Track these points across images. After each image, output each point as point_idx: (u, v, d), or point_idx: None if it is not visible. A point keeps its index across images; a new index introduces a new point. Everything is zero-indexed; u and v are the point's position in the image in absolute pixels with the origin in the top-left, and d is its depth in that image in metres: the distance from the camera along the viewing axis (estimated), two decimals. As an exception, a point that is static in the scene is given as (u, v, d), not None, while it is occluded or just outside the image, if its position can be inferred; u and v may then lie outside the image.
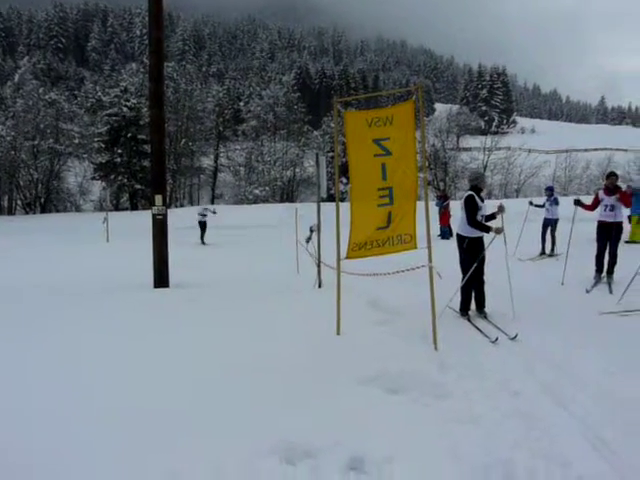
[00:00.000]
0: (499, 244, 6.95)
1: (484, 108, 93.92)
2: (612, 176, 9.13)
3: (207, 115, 53.19)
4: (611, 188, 8.84)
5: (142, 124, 41.68)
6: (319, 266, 8.69)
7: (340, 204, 5.92)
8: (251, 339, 5.64)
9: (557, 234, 12.87)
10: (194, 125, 50.57)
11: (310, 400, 4.02)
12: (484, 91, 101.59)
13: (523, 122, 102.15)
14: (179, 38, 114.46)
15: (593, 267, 9.04)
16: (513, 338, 5.76)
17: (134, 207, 42.50)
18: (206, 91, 57.94)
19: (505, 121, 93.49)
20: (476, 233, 6.68)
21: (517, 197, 37.27)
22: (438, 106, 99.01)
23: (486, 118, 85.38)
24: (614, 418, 3.85)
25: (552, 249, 12.87)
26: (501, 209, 6.76)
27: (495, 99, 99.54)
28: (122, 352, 5.21)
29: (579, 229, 9.66)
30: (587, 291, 8.35)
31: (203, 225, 20.29)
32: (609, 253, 8.83)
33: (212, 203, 49.68)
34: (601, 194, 8.98)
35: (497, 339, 5.72)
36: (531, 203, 13.72)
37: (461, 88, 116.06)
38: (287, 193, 48.91)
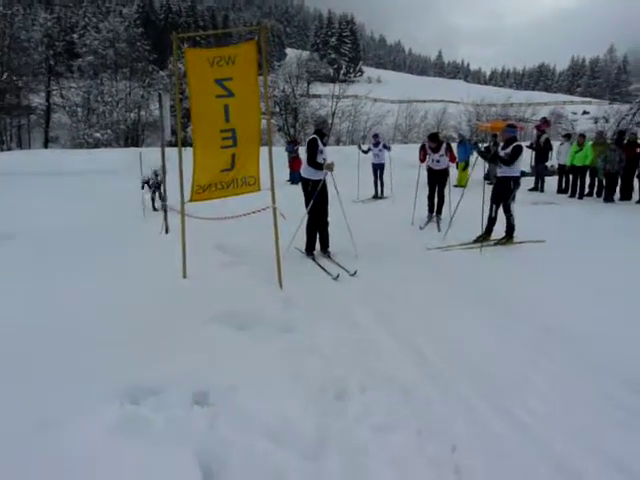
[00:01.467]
0: (342, 188, 7.34)
1: (333, 56, 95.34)
2: (431, 140, 9.90)
3: (34, 46, 47.00)
4: (433, 147, 9.70)
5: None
6: (165, 211, 8.43)
7: (188, 148, 5.77)
8: (95, 286, 5.42)
9: (385, 177, 13.79)
10: (18, 57, 44.46)
11: (156, 341, 4.01)
12: (333, 39, 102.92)
13: (370, 72, 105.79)
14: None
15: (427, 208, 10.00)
16: (353, 274, 6.22)
17: (-53, 150, 36.92)
18: (31, 18, 50.95)
19: (352, 70, 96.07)
20: (319, 175, 6.94)
21: (364, 143, 38.94)
22: (289, 51, 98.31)
23: (335, 66, 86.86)
24: (435, 337, 4.43)
25: (382, 191, 13.88)
26: (329, 167, 6.84)
27: (344, 47, 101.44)
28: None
29: (416, 174, 10.48)
30: (421, 228, 9.31)
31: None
32: (437, 195, 9.82)
33: (45, 147, 44.92)
34: (428, 150, 9.83)
35: (338, 276, 6.13)
36: (359, 147, 14.36)
37: (311, 34, 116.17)
38: (132, 137, 45.78)
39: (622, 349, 4.11)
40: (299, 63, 50.39)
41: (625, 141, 13.06)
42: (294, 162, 17.56)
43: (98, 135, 41.27)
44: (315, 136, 7.02)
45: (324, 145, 7.07)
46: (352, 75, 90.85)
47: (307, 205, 7.07)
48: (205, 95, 5.30)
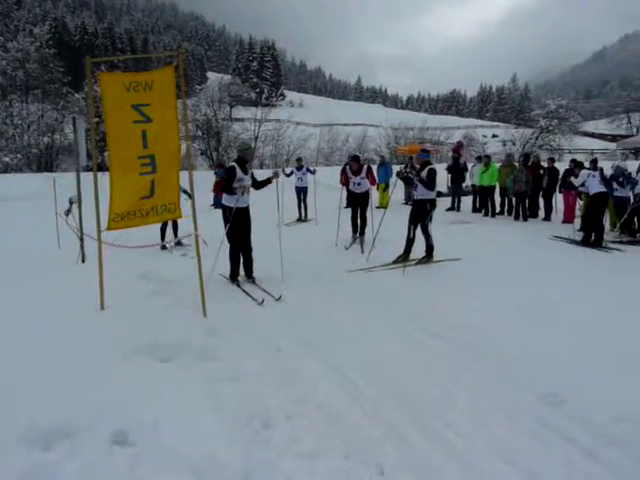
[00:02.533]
0: (268, 212, 7.34)
1: (255, 80, 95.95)
2: (353, 161, 10.22)
3: None
4: (354, 170, 9.96)
5: None
6: (82, 239, 8.06)
7: (106, 173, 5.56)
8: (1, 319, 5.04)
9: (309, 200, 14.01)
10: None
11: (71, 378, 3.79)
12: (255, 63, 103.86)
13: (292, 96, 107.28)
14: None
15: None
16: (278, 299, 6.18)
17: None
18: None
19: (274, 94, 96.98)
20: (236, 203, 6.86)
21: (287, 167, 39.20)
22: (210, 75, 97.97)
23: (257, 90, 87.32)
24: (361, 359, 4.47)
25: (305, 214, 14.04)
26: (276, 175, 7.17)
27: (265, 72, 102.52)
28: None
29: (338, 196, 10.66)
30: (346, 248, 9.51)
31: None
32: (360, 217, 10.03)
33: (-53, 172, 41.75)
34: (349, 173, 10.07)
35: (263, 301, 6.09)
36: (283, 170, 14.46)
37: (233, 58, 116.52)
38: (45, 162, 43.57)
39: (536, 363, 4.34)
40: (221, 87, 50.20)
41: (530, 163, 14.00)
42: (217, 186, 17.30)
43: (7, 160, 38.91)
44: (234, 164, 6.99)
45: (246, 171, 7.02)
46: (274, 99, 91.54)
47: (227, 231, 6.96)
48: (122, 121, 5.16)
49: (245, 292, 6.57)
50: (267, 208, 7.35)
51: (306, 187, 14.01)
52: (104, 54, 73.76)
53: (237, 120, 47.86)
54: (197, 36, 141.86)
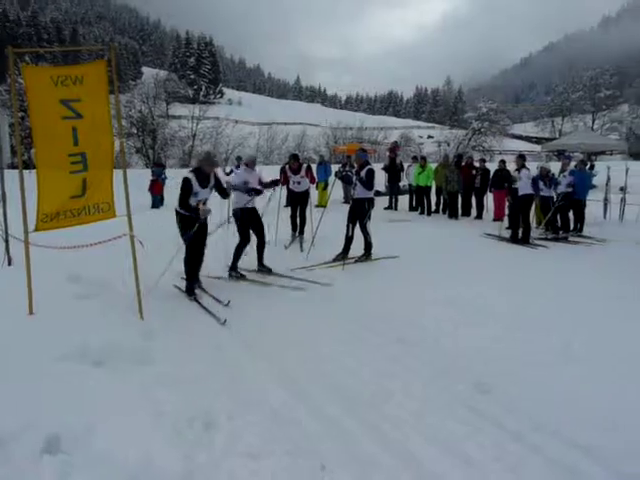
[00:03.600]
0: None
1: (192, 76, 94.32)
2: (292, 159, 10.40)
3: None
4: (294, 168, 10.02)
5: None
6: (7, 241, 7.64)
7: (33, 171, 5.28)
8: None
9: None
10: None
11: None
12: (192, 59, 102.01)
13: (230, 93, 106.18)
14: None
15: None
16: (226, 305, 5.93)
17: None
18: None
19: (213, 91, 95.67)
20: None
21: (226, 165, 38.72)
22: (145, 70, 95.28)
23: (195, 87, 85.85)
24: (301, 357, 4.53)
25: None
26: (203, 213, 6.24)
27: (203, 68, 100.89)
28: None
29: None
30: (285, 247, 9.49)
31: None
32: (299, 216, 10.09)
33: None
34: (288, 172, 10.13)
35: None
36: (223, 170, 14.32)
37: (169, 54, 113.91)
38: (-35, 158, 41.07)
39: (467, 354, 4.53)
40: (156, 83, 48.91)
41: (463, 163, 14.52)
42: (154, 186, 16.87)
43: None
44: (189, 176, 6.22)
45: (207, 182, 6.39)
46: (212, 97, 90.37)
47: (181, 236, 6.41)
48: (49, 117, 4.91)
49: (198, 303, 6.34)
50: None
51: None
52: (28, 44, 70.31)
53: (174, 117, 46.82)
54: (131, 29, 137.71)
